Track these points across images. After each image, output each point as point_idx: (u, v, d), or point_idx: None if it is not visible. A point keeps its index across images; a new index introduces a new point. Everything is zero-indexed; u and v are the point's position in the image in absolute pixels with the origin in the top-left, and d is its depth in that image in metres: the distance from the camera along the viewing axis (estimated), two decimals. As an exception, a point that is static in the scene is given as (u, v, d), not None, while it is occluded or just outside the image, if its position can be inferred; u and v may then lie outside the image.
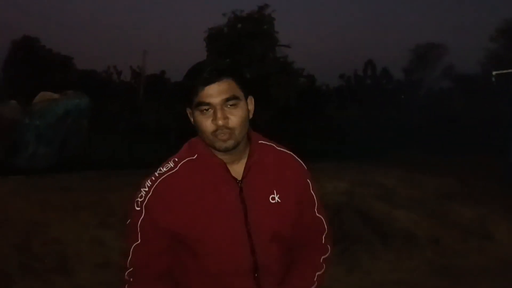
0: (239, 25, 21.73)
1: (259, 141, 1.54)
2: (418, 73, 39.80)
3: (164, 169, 1.46)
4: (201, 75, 1.36)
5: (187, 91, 1.40)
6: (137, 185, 1.48)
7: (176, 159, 1.49)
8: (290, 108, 21.35)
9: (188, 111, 1.45)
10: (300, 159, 1.62)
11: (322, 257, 1.64)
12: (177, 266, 1.49)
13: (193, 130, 1.49)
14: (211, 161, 1.45)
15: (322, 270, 1.61)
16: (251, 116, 1.46)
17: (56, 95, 10.49)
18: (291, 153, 1.60)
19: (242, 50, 20.52)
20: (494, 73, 10.64)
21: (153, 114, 21.17)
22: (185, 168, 1.46)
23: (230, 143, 1.38)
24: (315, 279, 1.58)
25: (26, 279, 4.14)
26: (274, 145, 1.58)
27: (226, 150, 1.40)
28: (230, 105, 1.37)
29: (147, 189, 1.43)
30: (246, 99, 1.43)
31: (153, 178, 1.45)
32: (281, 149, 1.59)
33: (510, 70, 9.40)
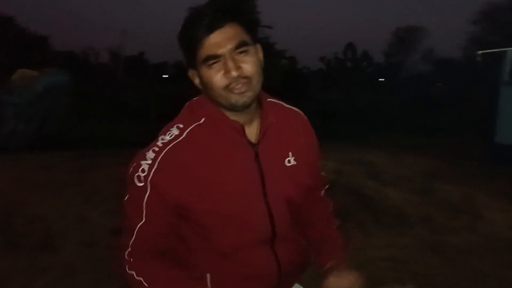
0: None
1: (268, 99, 1.36)
2: (398, 56, 40.05)
3: (168, 137, 1.24)
4: (201, 21, 1.14)
5: (188, 44, 1.18)
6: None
7: (181, 125, 1.26)
8: (272, 90, 21.18)
9: (191, 72, 1.25)
10: None
11: (330, 210, 1.59)
12: (181, 244, 1.33)
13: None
14: (225, 124, 1.25)
15: (337, 224, 1.57)
16: (262, 66, 1.25)
17: (35, 73, 10.20)
18: (300, 111, 1.46)
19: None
20: (479, 52, 10.67)
21: (133, 94, 20.90)
22: (193, 134, 1.24)
23: (249, 95, 1.18)
24: (338, 234, 1.55)
25: (10, 256, 3.99)
26: (282, 103, 1.43)
27: (244, 105, 1.20)
28: (240, 52, 1.16)
29: (150, 162, 1.20)
30: (254, 45, 1.23)
31: (156, 149, 1.22)
32: (290, 107, 1.45)
33: (496, 50, 9.42)
